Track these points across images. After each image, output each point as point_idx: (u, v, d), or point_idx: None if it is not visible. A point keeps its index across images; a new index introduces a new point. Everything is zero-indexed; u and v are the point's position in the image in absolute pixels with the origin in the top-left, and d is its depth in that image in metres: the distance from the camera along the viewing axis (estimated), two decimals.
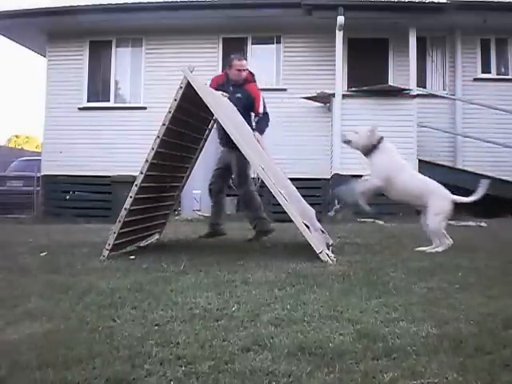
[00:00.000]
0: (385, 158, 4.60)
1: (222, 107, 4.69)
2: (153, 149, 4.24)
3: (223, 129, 4.45)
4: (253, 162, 4.27)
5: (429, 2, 9.58)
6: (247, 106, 5.37)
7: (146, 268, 3.81)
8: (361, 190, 4.70)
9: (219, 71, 10.59)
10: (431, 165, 9.15)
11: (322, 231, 4.88)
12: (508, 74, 10.41)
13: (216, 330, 2.28)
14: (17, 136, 44.53)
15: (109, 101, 11.04)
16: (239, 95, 5.35)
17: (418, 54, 9.52)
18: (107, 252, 4.28)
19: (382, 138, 4.61)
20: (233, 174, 5.51)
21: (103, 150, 10.63)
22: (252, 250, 4.80)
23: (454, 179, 8.98)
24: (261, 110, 5.45)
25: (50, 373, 1.81)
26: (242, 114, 5.21)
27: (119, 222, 4.26)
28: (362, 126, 8.93)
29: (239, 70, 5.38)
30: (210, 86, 5.22)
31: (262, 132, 5.43)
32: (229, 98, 5.13)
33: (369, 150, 4.62)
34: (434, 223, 4.56)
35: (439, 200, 4.64)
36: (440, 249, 4.50)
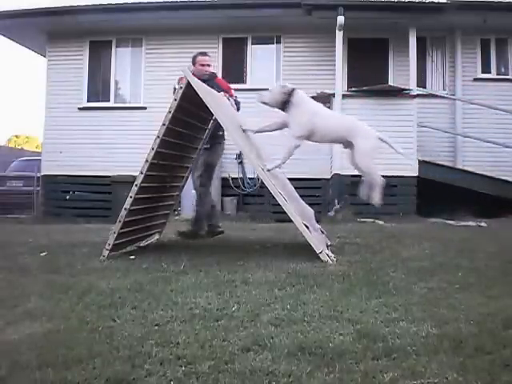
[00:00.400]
0: (301, 110, 4.45)
1: (222, 107, 4.69)
2: (153, 149, 4.24)
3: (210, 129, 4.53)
4: (253, 162, 4.27)
5: (429, 2, 9.57)
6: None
7: (146, 268, 3.81)
8: (287, 154, 4.59)
9: (219, 71, 10.61)
10: (431, 165, 9.15)
11: (322, 231, 4.88)
12: (508, 74, 10.40)
13: (216, 330, 2.28)
14: (17, 136, 44.53)
15: (109, 101, 11.04)
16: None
17: (418, 54, 9.51)
18: (107, 252, 4.28)
19: (293, 89, 4.44)
20: (198, 170, 5.53)
21: (103, 149, 10.62)
22: (252, 250, 4.80)
23: (454, 179, 9.02)
24: (234, 93, 5.54)
25: (49, 373, 1.81)
26: None
27: (119, 222, 4.26)
28: None
29: (203, 65, 5.46)
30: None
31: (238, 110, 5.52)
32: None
33: (285, 105, 4.48)
34: (365, 163, 4.54)
35: (366, 139, 4.56)
36: (379, 180, 4.54)
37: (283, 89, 4.45)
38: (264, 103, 4.58)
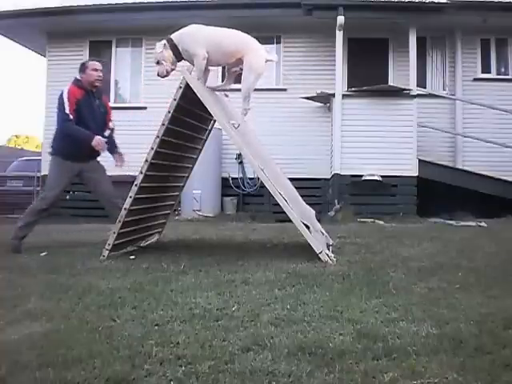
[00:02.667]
0: (192, 41, 4.32)
1: (220, 106, 4.69)
2: (152, 148, 4.24)
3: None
4: (253, 163, 4.26)
5: (429, 2, 9.57)
6: (104, 119, 5.26)
7: (146, 268, 3.81)
8: (199, 70, 4.34)
9: (219, 71, 10.60)
10: (431, 165, 9.15)
11: (322, 232, 4.88)
12: (508, 74, 10.40)
13: (216, 330, 2.28)
14: (17, 136, 44.53)
15: (109, 101, 11.02)
16: (100, 108, 5.26)
17: (418, 54, 9.51)
18: (107, 252, 4.28)
19: (169, 38, 4.36)
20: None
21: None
22: (252, 249, 4.80)
23: (454, 179, 9.02)
24: (111, 124, 5.37)
25: (50, 373, 1.81)
26: (99, 127, 5.11)
27: (119, 222, 4.27)
28: (362, 125, 9.04)
29: (96, 70, 5.27)
30: (70, 103, 5.00)
31: (115, 150, 5.38)
32: (90, 108, 5.05)
33: (179, 54, 4.34)
34: (248, 81, 4.25)
35: (256, 56, 4.31)
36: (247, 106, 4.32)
37: (160, 46, 4.37)
38: (164, 75, 4.39)
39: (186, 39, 4.35)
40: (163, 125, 4.24)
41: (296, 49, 10.57)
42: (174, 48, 4.35)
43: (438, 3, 9.48)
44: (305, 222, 4.15)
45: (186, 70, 4.28)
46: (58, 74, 10.98)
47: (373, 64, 10.30)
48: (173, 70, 4.38)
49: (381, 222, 7.91)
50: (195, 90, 4.13)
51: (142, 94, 10.96)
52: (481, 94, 9.97)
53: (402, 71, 10.02)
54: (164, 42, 4.39)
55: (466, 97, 10.09)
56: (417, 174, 8.95)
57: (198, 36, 4.38)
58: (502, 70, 10.53)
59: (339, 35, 9.34)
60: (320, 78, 10.04)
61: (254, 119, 8.30)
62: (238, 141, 4.27)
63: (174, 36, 4.39)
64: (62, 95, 5.09)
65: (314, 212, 5.18)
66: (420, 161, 9.04)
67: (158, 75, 4.43)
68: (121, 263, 4.01)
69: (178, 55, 4.36)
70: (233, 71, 4.56)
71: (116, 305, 2.72)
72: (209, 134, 5.38)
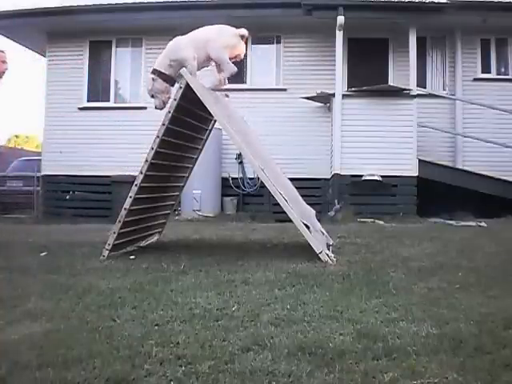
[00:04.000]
0: (177, 50, 4.44)
1: (220, 106, 4.69)
2: (152, 149, 4.25)
3: None
4: (252, 163, 4.26)
5: (429, 2, 9.57)
6: None
7: (146, 268, 3.81)
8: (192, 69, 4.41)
9: None
10: (431, 165, 9.15)
11: (322, 232, 4.88)
12: (508, 74, 10.39)
13: (216, 330, 2.28)
14: (17, 136, 44.47)
15: (109, 101, 11.02)
16: None
17: (418, 54, 9.51)
18: (107, 252, 4.28)
19: (154, 70, 4.43)
20: None
21: (103, 149, 10.61)
22: (252, 250, 4.80)
23: (454, 179, 9.02)
24: None
25: (49, 373, 1.81)
26: None
27: (119, 222, 4.26)
28: (362, 125, 9.05)
29: (3, 61, 5.00)
30: None
31: None
32: None
33: (172, 80, 4.44)
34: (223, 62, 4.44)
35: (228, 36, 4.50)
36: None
37: (150, 81, 4.42)
38: (161, 106, 4.50)
39: (170, 54, 4.43)
40: (163, 125, 4.24)
41: (296, 49, 10.57)
42: (163, 75, 4.41)
43: (438, 3, 9.48)
44: (305, 222, 4.15)
45: (185, 70, 4.27)
46: (58, 73, 11.00)
47: (373, 64, 10.30)
48: (169, 98, 4.45)
49: (381, 222, 7.91)
50: (195, 90, 4.14)
51: (141, 94, 10.95)
52: (481, 94, 9.97)
53: (402, 71, 10.02)
54: (151, 76, 4.45)
55: (466, 97, 10.09)
56: (417, 174, 8.95)
57: (180, 44, 4.47)
58: (502, 70, 10.53)
59: (339, 35, 9.34)
60: (320, 78, 10.04)
61: (254, 119, 8.33)
62: (237, 141, 4.27)
63: (157, 65, 4.46)
64: None
65: (314, 212, 5.18)
66: (420, 161, 9.04)
67: (156, 108, 4.53)
68: (121, 263, 4.01)
69: (170, 79, 4.43)
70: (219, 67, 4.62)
71: (116, 305, 2.72)
72: (209, 134, 5.38)
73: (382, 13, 9.60)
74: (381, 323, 2.36)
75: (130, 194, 4.27)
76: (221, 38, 4.47)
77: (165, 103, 4.45)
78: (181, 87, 4.19)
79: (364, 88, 9.20)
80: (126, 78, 11.19)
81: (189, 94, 4.18)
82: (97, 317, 2.52)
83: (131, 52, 11.14)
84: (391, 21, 9.67)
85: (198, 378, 1.78)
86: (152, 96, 4.48)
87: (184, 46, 4.42)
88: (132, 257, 4.33)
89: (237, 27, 4.57)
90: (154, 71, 4.43)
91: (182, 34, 4.61)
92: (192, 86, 4.13)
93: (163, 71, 4.39)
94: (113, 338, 2.18)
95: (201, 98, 4.14)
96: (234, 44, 4.49)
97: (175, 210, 7.65)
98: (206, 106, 4.17)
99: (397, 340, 2.11)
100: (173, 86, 4.47)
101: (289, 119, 10.22)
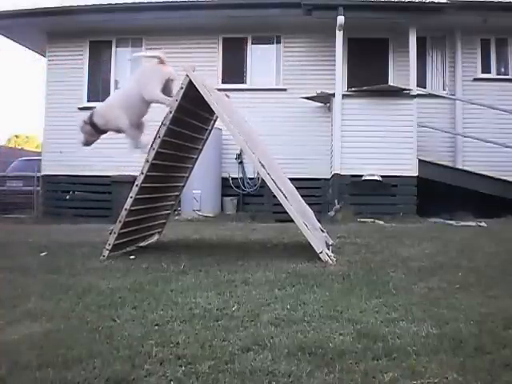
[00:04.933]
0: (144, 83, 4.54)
1: (223, 105, 4.69)
2: (153, 149, 4.25)
3: None
4: (253, 159, 4.26)
5: (429, 2, 9.57)
6: None
7: (146, 268, 3.81)
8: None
9: (219, 71, 10.61)
10: (431, 165, 9.14)
11: (322, 231, 4.88)
12: (508, 74, 10.39)
13: (216, 330, 2.28)
14: (17, 136, 44.47)
15: None
16: None
17: (418, 54, 9.50)
18: (107, 252, 4.28)
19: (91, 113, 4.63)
20: None
21: (103, 149, 10.57)
22: (252, 250, 4.80)
23: (454, 179, 9.02)
24: None
25: (49, 373, 1.81)
26: None
27: (119, 222, 4.26)
28: (362, 125, 9.05)
29: None
30: None
31: None
32: None
33: (101, 132, 4.67)
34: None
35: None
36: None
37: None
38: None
39: (106, 114, 4.60)
40: (164, 125, 4.24)
41: (296, 49, 10.56)
42: (94, 125, 4.61)
43: (438, 3, 9.48)
44: (305, 222, 4.15)
45: (189, 68, 4.27)
46: (58, 73, 11.00)
47: (373, 64, 10.31)
48: (95, 141, 4.77)
49: (381, 222, 7.91)
50: (199, 89, 4.13)
51: None
52: (481, 94, 9.97)
53: (402, 71, 10.02)
54: (83, 119, 4.68)
55: (466, 97, 10.09)
56: (417, 174, 8.95)
57: (112, 110, 4.61)
58: (502, 70, 10.53)
59: (339, 35, 9.34)
60: (320, 78, 10.04)
61: (254, 119, 8.32)
62: (239, 138, 4.27)
63: (95, 115, 4.61)
64: None
65: (312, 212, 5.19)
66: (420, 161, 9.04)
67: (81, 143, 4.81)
68: (121, 263, 4.01)
69: (99, 131, 4.65)
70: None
71: (116, 305, 2.72)
72: (209, 134, 5.38)
73: (381, 13, 9.60)
74: (381, 323, 2.36)
75: (130, 195, 4.27)
76: (146, 80, 4.53)
77: (88, 143, 4.74)
78: (182, 87, 4.19)
79: (364, 88, 9.20)
80: (126, 78, 11.16)
81: (190, 93, 4.18)
82: (97, 317, 2.52)
83: (131, 52, 11.12)
84: (391, 21, 9.67)
85: (198, 378, 1.78)
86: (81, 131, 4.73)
87: (118, 113, 4.54)
88: (132, 257, 4.33)
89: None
90: (89, 119, 4.61)
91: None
92: (195, 83, 4.12)
93: (95, 122, 4.58)
94: (113, 338, 2.18)
95: (204, 97, 4.14)
96: (158, 75, 4.53)
97: (175, 210, 7.65)
98: (209, 104, 4.17)
99: (397, 340, 2.11)
100: (101, 134, 4.70)
101: (289, 119, 10.22)
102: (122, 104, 4.56)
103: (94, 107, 4.76)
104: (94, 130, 4.61)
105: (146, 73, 4.65)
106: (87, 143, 4.75)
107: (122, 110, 4.51)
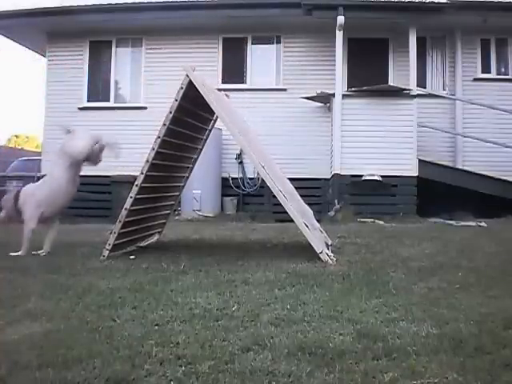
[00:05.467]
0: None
1: (223, 106, 4.69)
2: (153, 149, 4.25)
3: None
4: (253, 159, 4.26)
5: (429, 2, 9.56)
6: None
7: (146, 268, 3.81)
8: None
9: (219, 71, 10.61)
10: (431, 165, 9.14)
11: (321, 231, 4.88)
12: (508, 74, 10.39)
13: (216, 330, 2.28)
14: (17, 136, 44.45)
15: (109, 101, 11.02)
16: None
17: (417, 54, 9.50)
18: (107, 252, 4.28)
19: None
20: None
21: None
22: (252, 250, 4.80)
23: (454, 179, 9.02)
24: None
25: (49, 373, 1.81)
26: None
27: (119, 222, 4.27)
28: (362, 125, 9.05)
29: None
30: None
31: None
32: None
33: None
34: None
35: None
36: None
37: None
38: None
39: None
40: (164, 125, 4.24)
41: (296, 49, 10.56)
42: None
43: (438, 3, 9.48)
44: (305, 222, 4.15)
45: (189, 68, 4.27)
46: (58, 73, 10.99)
47: (373, 64, 10.31)
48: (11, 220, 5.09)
49: (381, 222, 7.91)
50: (199, 88, 4.13)
51: (142, 94, 10.96)
52: (481, 94, 9.97)
53: (402, 71, 10.02)
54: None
55: (466, 97, 10.09)
56: (417, 174, 8.95)
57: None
58: (502, 70, 10.53)
59: (339, 35, 9.34)
60: (320, 78, 10.04)
61: (254, 119, 8.32)
62: (239, 138, 4.27)
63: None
64: None
65: (311, 211, 5.18)
66: (420, 161, 9.04)
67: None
68: (121, 263, 4.01)
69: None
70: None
71: (116, 305, 2.72)
72: (209, 134, 5.38)
73: (381, 13, 9.60)
74: (381, 323, 2.36)
75: (130, 195, 4.27)
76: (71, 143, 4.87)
77: (4, 220, 5.04)
78: (182, 87, 4.19)
79: (364, 88, 9.20)
80: (125, 78, 11.18)
81: (190, 93, 4.18)
82: (97, 317, 2.52)
83: (131, 52, 11.14)
84: (391, 21, 9.68)
85: (198, 378, 1.78)
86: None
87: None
88: (132, 257, 4.33)
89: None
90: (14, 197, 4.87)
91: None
92: (195, 83, 4.12)
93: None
94: (113, 338, 2.18)
95: (204, 97, 4.14)
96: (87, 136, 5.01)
97: (175, 210, 7.65)
98: (209, 104, 4.17)
99: (397, 340, 2.11)
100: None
101: (289, 119, 10.22)
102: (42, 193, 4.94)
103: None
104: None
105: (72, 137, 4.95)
106: (5, 220, 5.06)
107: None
